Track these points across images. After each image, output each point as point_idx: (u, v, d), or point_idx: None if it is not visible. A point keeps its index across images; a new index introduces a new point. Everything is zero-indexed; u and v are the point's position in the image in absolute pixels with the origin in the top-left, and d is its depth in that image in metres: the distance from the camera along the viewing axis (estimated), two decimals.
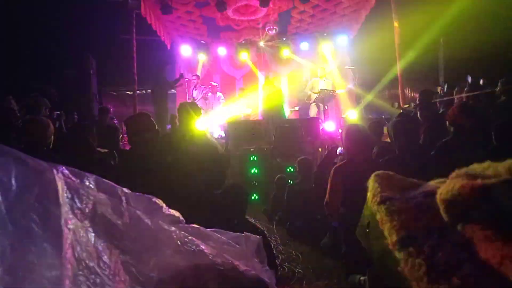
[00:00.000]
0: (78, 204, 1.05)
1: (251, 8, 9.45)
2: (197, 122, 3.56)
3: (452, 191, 0.77)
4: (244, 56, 11.44)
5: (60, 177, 1.05)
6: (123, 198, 1.23)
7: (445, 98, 7.20)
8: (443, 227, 0.80)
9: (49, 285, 0.90)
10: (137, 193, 1.31)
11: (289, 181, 5.32)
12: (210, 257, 1.24)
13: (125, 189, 1.26)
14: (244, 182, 5.90)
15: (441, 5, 8.80)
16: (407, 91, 9.76)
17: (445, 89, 8.53)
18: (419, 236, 0.84)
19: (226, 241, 1.42)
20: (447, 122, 3.28)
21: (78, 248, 0.98)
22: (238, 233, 1.54)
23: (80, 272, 0.95)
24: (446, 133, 3.41)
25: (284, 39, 11.42)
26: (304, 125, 7.11)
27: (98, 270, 0.99)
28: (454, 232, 0.78)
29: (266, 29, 10.31)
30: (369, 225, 1.06)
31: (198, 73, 11.10)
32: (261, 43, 11.44)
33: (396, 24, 8.24)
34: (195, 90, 9.91)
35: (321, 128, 7.67)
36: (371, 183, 1.10)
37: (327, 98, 8.78)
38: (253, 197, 5.86)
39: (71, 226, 0.99)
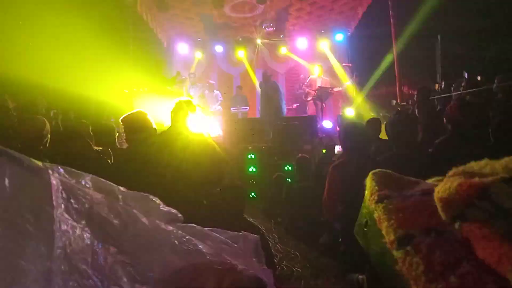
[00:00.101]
0: (74, 204, 1.04)
1: (248, 6, 9.43)
2: (193, 120, 3.54)
3: (450, 189, 0.77)
4: (241, 54, 11.41)
5: (56, 176, 1.04)
6: (120, 197, 1.22)
7: (442, 95, 7.21)
8: (440, 226, 0.80)
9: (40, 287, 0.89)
10: (134, 192, 1.30)
11: (287, 179, 5.32)
12: (208, 257, 1.23)
13: (122, 188, 1.25)
14: (242, 181, 5.89)
15: (437, 1, 8.81)
16: (404, 89, 9.76)
17: (443, 86, 8.54)
18: (416, 234, 0.83)
19: (224, 240, 1.41)
20: (444, 119, 3.28)
21: (72, 250, 0.97)
22: (236, 232, 1.53)
23: (71, 276, 0.94)
24: (444, 131, 3.41)
25: (281, 36, 11.40)
26: (301, 123, 7.10)
27: (90, 272, 0.98)
28: (451, 231, 0.78)
29: (263, 26, 10.29)
30: (367, 224, 1.06)
31: (193, 70, 11.08)
32: (258, 41, 11.41)
33: (392, 20, 8.25)
34: (192, 88, 9.89)
35: (318, 126, 7.67)
36: (369, 182, 1.10)
37: (324, 96, 8.78)
38: (251, 196, 5.86)
39: (65, 227, 0.98)
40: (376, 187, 1.06)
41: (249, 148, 6.54)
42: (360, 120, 5.93)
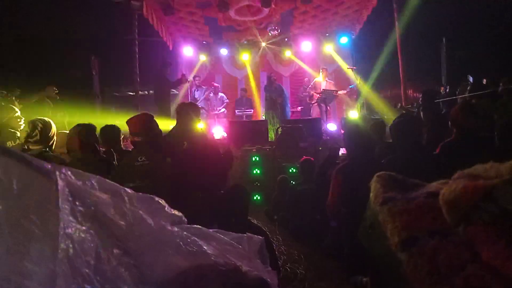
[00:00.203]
0: (80, 206, 1.05)
1: (253, 9, 9.46)
2: (197, 123, 3.56)
3: (455, 192, 0.77)
4: (246, 57, 11.45)
5: (62, 178, 1.05)
6: (126, 198, 1.23)
7: (448, 98, 7.18)
8: (445, 228, 0.80)
9: None
10: (140, 193, 1.30)
11: (291, 181, 5.31)
12: (212, 258, 1.24)
13: (128, 190, 1.26)
14: (246, 183, 5.90)
15: (443, 3, 8.80)
16: (409, 91, 9.73)
17: (448, 89, 8.50)
18: (421, 237, 0.83)
19: (229, 241, 1.42)
20: (449, 122, 3.27)
21: (75, 253, 0.97)
22: (240, 234, 1.54)
23: (74, 279, 0.94)
24: (448, 134, 3.40)
25: (286, 39, 11.41)
26: (306, 126, 7.10)
27: (92, 276, 0.97)
28: (456, 233, 0.78)
29: (268, 29, 10.31)
30: (371, 226, 1.06)
31: (195, 73, 11.13)
32: (263, 44, 11.45)
33: (398, 23, 8.23)
34: (197, 91, 9.93)
35: (323, 128, 7.66)
36: (373, 184, 1.10)
37: (329, 99, 8.78)
38: (255, 198, 5.86)
39: (69, 229, 0.98)
40: (381, 190, 1.06)
41: (254, 150, 6.54)
42: (364, 123, 5.92)
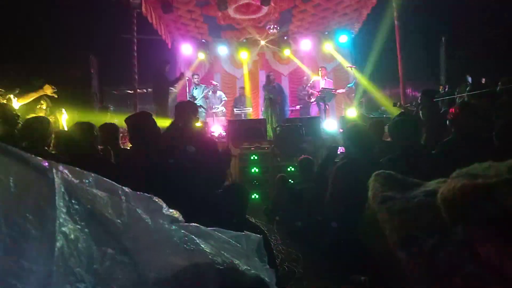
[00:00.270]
0: (76, 204, 1.04)
1: (252, 7, 9.44)
2: (195, 122, 3.56)
3: (453, 190, 0.77)
4: (245, 55, 11.43)
5: (60, 176, 1.05)
6: (123, 197, 1.22)
7: (447, 97, 7.18)
8: (444, 227, 0.80)
9: None
10: (137, 192, 1.30)
11: (290, 180, 5.31)
12: (210, 256, 1.23)
13: (125, 188, 1.25)
14: (244, 182, 5.90)
15: (443, 3, 8.79)
16: (408, 90, 9.74)
17: (447, 89, 8.50)
18: (420, 236, 0.83)
19: (227, 240, 1.41)
20: (448, 122, 3.27)
21: (70, 252, 0.96)
22: (238, 232, 1.53)
23: (67, 278, 0.93)
24: (447, 133, 3.40)
25: (285, 38, 11.40)
26: (305, 124, 7.10)
27: (85, 275, 0.96)
28: (455, 232, 0.77)
29: (267, 28, 10.30)
30: (370, 225, 1.06)
31: (192, 70, 11.12)
32: (262, 42, 11.43)
33: (397, 22, 8.23)
34: (196, 89, 9.92)
35: (322, 127, 7.66)
36: (372, 183, 1.10)
37: (328, 97, 8.79)
38: (253, 197, 5.86)
39: (65, 228, 0.97)
40: (380, 189, 1.06)
41: (252, 149, 6.54)
42: (363, 122, 5.92)
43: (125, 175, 2.70)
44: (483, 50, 9.21)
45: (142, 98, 9.73)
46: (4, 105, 4.14)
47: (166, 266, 1.14)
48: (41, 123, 3.20)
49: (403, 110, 6.55)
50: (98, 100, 9.17)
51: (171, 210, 1.36)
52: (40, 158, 1.05)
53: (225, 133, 8.04)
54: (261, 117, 10.33)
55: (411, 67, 8.89)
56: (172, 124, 3.68)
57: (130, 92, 9.38)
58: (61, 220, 0.97)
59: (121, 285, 1.03)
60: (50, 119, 3.34)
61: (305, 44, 11.36)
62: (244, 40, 11.57)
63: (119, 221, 1.12)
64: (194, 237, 1.26)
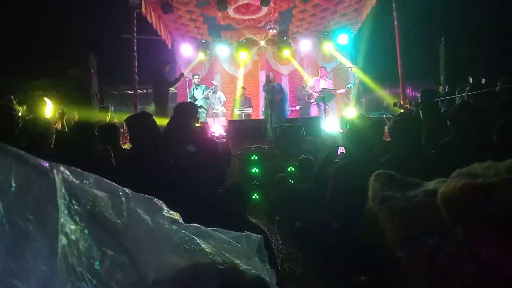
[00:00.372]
0: (77, 205, 1.04)
1: (252, 7, 9.45)
2: (195, 122, 3.56)
3: (453, 190, 0.77)
4: (245, 56, 11.43)
5: (60, 176, 1.05)
6: (124, 198, 1.22)
7: (446, 97, 7.19)
8: (444, 227, 0.80)
9: None
10: (138, 193, 1.30)
11: (290, 180, 5.31)
12: (210, 256, 1.23)
13: (126, 189, 1.25)
14: (244, 182, 5.89)
15: (443, 3, 8.81)
16: (408, 90, 9.75)
17: (447, 89, 8.52)
18: (420, 236, 0.83)
19: (227, 240, 1.41)
20: (448, 121, 3.27)
21: (71, 252, 0.96)
22: (239, 232, 1.53)
23: (68, 278, 0.93)
24: (447, 133, 3.40)
25: (285, 38, 11.40)
26: (305, 125, 7.11)
27: (85, 275, 0.97)
28: (455, 232, 0.77)
29: (267, 28, 10.30)
30: (370, 225, 1.06)
31: (190, 70, 11.12)
32: (262, 42, 11.43)
33: (397, 22, 8.23)
34: (196, 89, 9.92)
35: (322, 127, 7.67)
36: (372, 183, 1.10)
37: (327, 97, 8.80)
38: (253, 197, 5.86)
39: (66, 228, 0.97)
40: (380, 188, 1.06)
41: (252, 149, 6.54)
42: (363, 122, 5.92)
43: (125, 175, 2.70)
44: (483, 50, 9.21)
45: (142, 98, 9.74)
46: (4, 105, 4.14)
47: (166, 266, 1.14)
48: (42, 123, 3.20)
49: (403, 110, 6.55)
50: (98, 100, 9.17)
51: (171, 212, 1.36)
52: (40, 158, 1.05)
53: (225, 133, 8.04)
54: (261, 117, 10.33)
55: (411, 67, 8.90)
56: (171, 124, 3.68)
57: (130, 92, 9.38)
58: (62, 221, 0.97)
59: (121, 285, 1.03)
60: (51, 120, 3.34)
61: (305, 44, 11.36)
62: (244, 40, 11.57)
63: (119, 221, 1.12)
64: (195, 237, 1.26)
